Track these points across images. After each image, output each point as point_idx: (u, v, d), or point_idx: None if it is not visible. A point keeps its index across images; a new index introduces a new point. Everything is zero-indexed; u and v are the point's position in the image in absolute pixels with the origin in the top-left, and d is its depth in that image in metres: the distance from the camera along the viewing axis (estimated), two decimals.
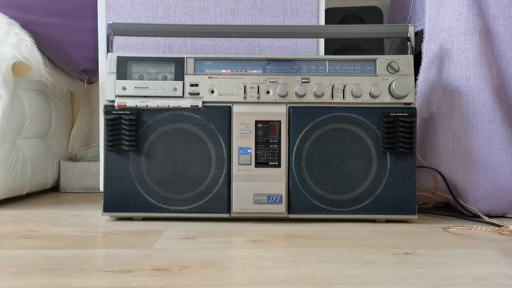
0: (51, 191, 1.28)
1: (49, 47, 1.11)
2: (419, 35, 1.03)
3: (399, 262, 0.55)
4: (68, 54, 1.13)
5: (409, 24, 0.86)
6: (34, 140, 1.16)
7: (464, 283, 0.47)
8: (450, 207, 0.93)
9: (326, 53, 1.03)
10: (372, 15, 1.14)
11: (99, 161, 1.27)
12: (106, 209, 0.82)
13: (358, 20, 1.14)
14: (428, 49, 0.95)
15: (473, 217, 0.85)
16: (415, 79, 0.96)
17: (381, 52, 1.14)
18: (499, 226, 0.76)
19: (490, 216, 0.85)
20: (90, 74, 1.19)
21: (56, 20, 1.10)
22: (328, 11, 1.04)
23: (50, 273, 0.51)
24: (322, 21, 1.01)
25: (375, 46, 1.11)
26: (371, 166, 0.81)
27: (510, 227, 0.69)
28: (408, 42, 0.86)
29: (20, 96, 1.06)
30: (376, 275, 0.50)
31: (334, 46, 1.10)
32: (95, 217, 0.85)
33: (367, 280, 0.48)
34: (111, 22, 0.86)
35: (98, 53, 1.04)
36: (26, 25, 1.05)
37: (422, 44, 0.98)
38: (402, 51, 1.15)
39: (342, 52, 1.11)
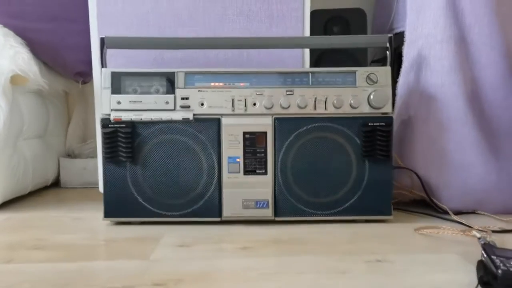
0: (52, 186, 1.34)
1: (44, 52, 1.14)
2: (401, 35, 1.08)
3: (369, 271, 0.63)
4: (62, 58, 1.17)
5: (388, 35, 0.90)
6: (34, 140, 1.22)
7: None
8: (425, 203, 1.00)
9: (312, 53, 1.07)
10: (356, 16, 1.17)
11: (96, 157, 1.33)
12: (107, 214, 0.88)
13: (342, 22, 1.17)
14: (408, 54, 1.00)
15: (444, 214, 0.92)
16: (396, 81, 1.02)
17: (364, 53, 1.18)
18: (466, 226, 0.84)
19: (461, 213, 0.93)
20: (84, 76, 1.23)
21: (48, 25, 1.13)
22: (313, 13, 1.08)
23: None
24: (307, 26, 1.04)
25: (358, 48, 1.15)
26: (351, 171, 0.87)
27: (473, 232, 0.76)
28: (387, 52, 0.90)
29: (17, 101, 1.10)
30: (347, 286, 0.57)
31: (319, 49, 1.14)
32: (96, 221, 0.92)
33: None
34: (103, 36, 0.90)
35: (92, 55, 1.08)
36: (19, 32, 1.08)
37: (403, 47, 1.02)
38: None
39: (327, 54, 1.15)
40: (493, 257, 0.60)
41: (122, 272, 0.64)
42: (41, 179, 1.24)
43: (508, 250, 0.63)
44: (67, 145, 1.41)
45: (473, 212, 0.95)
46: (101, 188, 1.07)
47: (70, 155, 1.41)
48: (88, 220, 0.94)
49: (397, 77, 1.03)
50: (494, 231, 0.81)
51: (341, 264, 0.66)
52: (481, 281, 0.57)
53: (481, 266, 0.60)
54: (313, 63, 1.16)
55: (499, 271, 0.56)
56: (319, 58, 1.18)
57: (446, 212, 0.92)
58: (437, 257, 0.69)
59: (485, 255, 0.62)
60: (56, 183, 1.36)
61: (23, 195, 1.16)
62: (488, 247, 0.64)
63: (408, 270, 0.63)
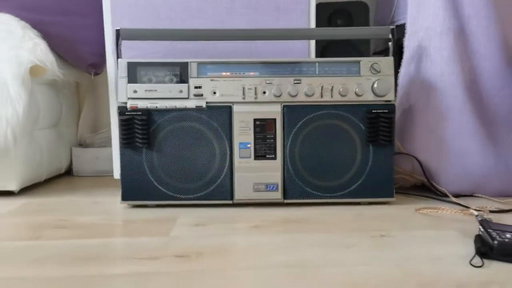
0: (65, 175, 1.39)
1: (57, 44, 1.18)
2: (402, 27, 1.12)
3: (375, 245, 0.68)
4: (75, 50, 1.21)
5: (390, 27, 0.94)
6: (48, 130, 1.26)
7: (421, 263, 0.60)
8: (426, 188, 1.05)
9: (318, 44, 1.11)
10: (359, 9, 1.22)
11: (108, 146, 1.38)
12: (124, 198, 0.93)
13: (346, 15, 1.22)
14: (409, 45, 1.05)
15: (443, 196, 0.97)
16: (398, 72, 1.07)
17: (366, 44, 1.23)
18: (464, 206, 0.89)
19: (459, 196, 0.98)
20: (96, 67, 1.27)
21: (62, 18, 1.17)
22: (318, 6, 1.12)
23: (89, 262, 0.62)
24: (313, 18, 1.08)
25: (362, 39, 1.20)
26: (356, 156, 0.92)
27: (471, 210, 0.81)
28: (389, 43, 0.95)
29: (34, 92, 1.15)
30: (353, 258, 0.62)
31: (325, 39, 1.19)
32: (114, 204, 0.97)
33: (347, 262, 0.61)
34: (119, 28, 0.94)
35: (105, 48, 1.12)
36: (35, 25, 1.12)
37: (404, 39, 1.07)
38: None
39: (332, 45, 1.20)
40: (489, 230, 0.65)
41: (145, 246, 0.69)
42: (55, 167, 1.29)
43: (504, 225, 0.68)
44: (78, 135, 1.45)
45: (471, 195, 1.00)
46: (116, 175, 1.12)
47: (82, 144, 1.45)
48: (106, 204, 0.98)
49: (399, 68, 1.08)
50: (491, 211, 0.86)
51: (348, 240, 0.71)
52: (478, 251, 0.62)
53: (479, 239, 0.65)
54: (318, 55, 1.21)
55: (495, 242, 0.61)
56: (324, 49, 1.22)
57: (445, 195, 0.97)
58: (437, 233, 0.74)
59: (482, 229, 0.67)
60: (68, 172, 1.40)
61: (39, 182, 1.21)
62: (485, 222, 0.69)
63: (410, 243, 0.68)
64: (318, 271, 0.58)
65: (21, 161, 1.08)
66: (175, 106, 0.91)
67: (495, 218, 0.79)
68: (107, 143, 1.41)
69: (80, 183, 1.27)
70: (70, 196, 1.08)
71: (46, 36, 1.14)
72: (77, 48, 1.20)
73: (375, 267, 0.59)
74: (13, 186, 1.07)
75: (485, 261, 0.60)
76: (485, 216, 0.75)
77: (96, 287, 0.54)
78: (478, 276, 0.55)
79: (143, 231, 0.77)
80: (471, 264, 0.59)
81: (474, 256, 0.61)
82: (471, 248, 0.64)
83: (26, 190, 1.13)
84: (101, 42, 1.15)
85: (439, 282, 0.53)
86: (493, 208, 0.88)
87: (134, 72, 0.92)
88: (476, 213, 0.79)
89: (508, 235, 0.63)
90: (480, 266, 0.58)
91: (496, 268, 0.58)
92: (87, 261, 0.63)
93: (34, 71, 1.01)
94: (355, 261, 0.61)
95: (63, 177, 1.36)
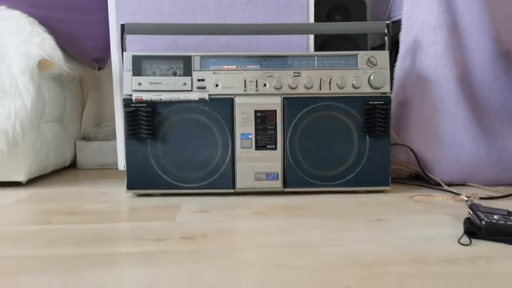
0: (69, 168, 1.42)
1: (63, 39, 1.21)
2: (398, 23, 1.16)
3: (370, 227, 0.72)
4: (81, 46, 1.24)
5: (386, 22, 0.98)
6: (54, 123, 1.29)
7: (414, 242, 0.64)
8: (421, 178, 1.09)
9: (317, 39, 1.15)
10: (357, 6, 1.25)
11: (111, 140, 1.41)
12: (130, 187, 0.97)
13: (344, 11, 1.25)
14: (404, 40, 1.08)
15: (437, 185, 1.01)
16: (394, 66, 1.10)
17: (364, 39, 1.26)
18: (455, 193, 0.93)
19: (452, 185, 1.02)
20: (100, 62, 1.31)
21: (68, 15, 1.21)
22: (317, 3, 1.15)
23: (102, 242, 0.66)
24: (312, 14, 1.12)
25: (359, 34, 1.24)
26: (353, 146, 0.96)
27: (462, 196, 0.85)
28: (385, 37, 0.99)
29: (40, 86, 1.18)
30: (351, 238, 0.66)
31: (324, 34, 1.22)
32: (120, 194, 1.00)
33: (345, 242, 0.65)
34: (124, 23, 0.98)
35: (110, 43, 1.15)
36: (42, 21, 1.15)
37: (400, 34, 1.11)
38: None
39: (330, 39, 1.24)
40: (478, 212, 0.69)
41: (153, 229, 0.72)
42: (61, 160, 1.32)
43: (492, 208, 0.72)
44: (82, 128, 1.49)
45: (464, 184, 1.04)
46: (120, 166, 1.15)
47: (85, 138, 1.48)
48: (112, 194, 1.02)
49: (395, 62, 1.11)
50: (481, 198, 0.89)
51: (345, 223, 0.74)
52: (467, 231, 0.66)
53: (468, 221, 0.69)
54: (317, 49, 1.24)
55: (483, 223, 0.65)
56: (323, 44, 1.26)
57: (439, 184, 1.01)
58: (429, 217, 0.78)
59: (471, 212, 0.70)
60: (72, 165, 1.44)
61: (45, 174, 1.24)
62: (474, 206, 0.72)
63: (404, 226, 0.72)
64: (318, 250, 0.61)
65: (29, 153, 1.12)
66: (179, 98, 0.94)
67: (485, 204, 0.82)
68: (110, 137, 1.44)
69: (85, 175, 1.31)
70: (76, 187, 1.12)
71: (53, 31, 1.17)
72: (82, 43, 1.23)
73: (370, 246, 0.63)
74: (21, 177, 1.10)
75: (473, 240, 0.64)
76: (474, 201, 0.79)
77: (106, 264, 0.58)
78: (466, 252, 0.59)
79: (149, 216, 0.81)
80: (460, 243, 0.63)
81: (462, 235, 0.65)
82: (460, 230, 0.68)
83: (33, 181, 1.17)
84: (105, 37, 1.18)
85: (429, 258, 0.57)
86: (483, 195, 0.91)
87: (139, 65, 0.95)
88: (466, 198, 0.83)
89: (495, 217, 0.67)
90: (468, 245, 0.62)
91: (483, 246, 0.62)
92: (97, 242, 0.66)
93: (42, 65, 1.05)
94: (352, 241, 0.65)
95: (68, 170, 1.39)
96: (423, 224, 0.73)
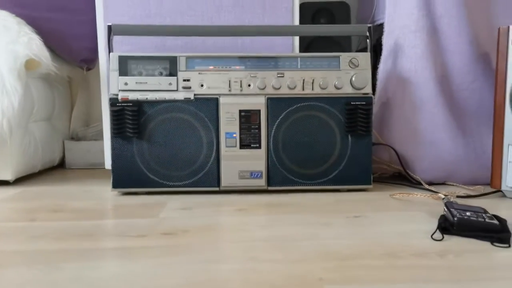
0: (58, 167, 1.43)
1: (51, 40, 1.23)
2: (381, 27, 1.18)
3: (348, 223, 0.74)
4: (69, 46, 1.25)
5: (368, 25, 1.01)
6: (42, 122, 1.30)
7: (388, 237, 0.66)
8: (403, 177, 1.11)
9: (302, 41, 1.17)
10: (341, 9, 1.28)
11: (100, 140, 1.42)
12: (115, 185, 0.98)
13: (328, 14, 1.28)
14: (386, 43, 1.11)
15: (417, 184, 1.04)
16: (377, 68, 1.13)
17: (348, 41, 1.29)
18: (434, 192, 0.95)
19: (432, 184, 1.04)
20: (88, 63, 1.32)
21: (56, 15, 1.22)
22: (302, 6, 1.18)
23: (84, 238, 0.67)
24: (296, 16, 1.14)
25: (343, 36, 1.26)
26: (336, 145, 0.98)
27: (439, 194, 0.88)
28: (367, 40, 1.01)
29: (29, 85, 1.19)
30: (328, 233, 0.68)
31: (308, 37, 1.25)
32: (105, 192, 1.01)
33: (322, 237, 0.66)
34: (110, 24, 0.99)
35: (98, 44, 1.17)
36: (30, 21, 1.16)
37: (382, 37, 1.13)
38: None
39: (316, 42, 1.26)
40: (452, 209, 0.71)
41: (135, 226, 0.74)
42: (49, 159, 1.33)
43: (467, 205, 0.75)
44: (71, 128, 1.50)
45: (444, 183, 1.07)
46: (107, 166, 1.16)
47: (74, 138, 1.49)
48: (97, 192, 1.03)
49: (378, 64, 1.14)
50: (458, 196, 0.92)
51: (325, 219, 0.76)
52: (440, 226, 0.68)
53: (442, 218, 0.71)
54: (303, 51, 1.27)
55: (455, 219, 0.67)
56: (308, 46, 1.28)
57: (419, 183, 1.04)
58: (406, 214, 0.80)
59: (446, 209, 0.73)
60: (61, 164, 1.44)
61: (34, 173, 1.25)
62: (449, 203, 0.75)
63: (381, 222, 0.74)
64: (296, 244, 0.63)
65: (16, 152, 1.13)
66: (165, 98, 0.96)
67: (462, 202, 0.85)
68: (99, 137, 1.45)
69: (72, 175, 1.31)
70: (63, 185, 1.13)
71: (41, 32, 1.18)
72: (70, 43, 1.25)
73: (346, 240, 0.65)
74: (9, 176, 1.11)
75: (446, 236, 0.66)
76: (451, 199, 0.81)
77: (89, 259, 0.59)
78: (437, 247, 0.61)
79: (133, 214, 0.82)
80: (433, 238, 0.65)
81: (435, 231, 0.67)
82: (435, 226, 0.70)
83: (21, 180, 1.17)
84: (93, 38, 1.19)
85: (401, 252, 0.59)
86: (461, 194, 0.94)
87: (125, 65, 0.97)
88: (443, 196, 0.85)
89: (468, 213, 0.69)
90: (440, 240, 0.64)
91: (454, 241, 0.64)
92: (80, 237, 0.68)
93: (29, 65, 1.06)
94: (329, 236, 0.67)
95: (56, 169, 1.40)
96: (400, 221, 0.75)
